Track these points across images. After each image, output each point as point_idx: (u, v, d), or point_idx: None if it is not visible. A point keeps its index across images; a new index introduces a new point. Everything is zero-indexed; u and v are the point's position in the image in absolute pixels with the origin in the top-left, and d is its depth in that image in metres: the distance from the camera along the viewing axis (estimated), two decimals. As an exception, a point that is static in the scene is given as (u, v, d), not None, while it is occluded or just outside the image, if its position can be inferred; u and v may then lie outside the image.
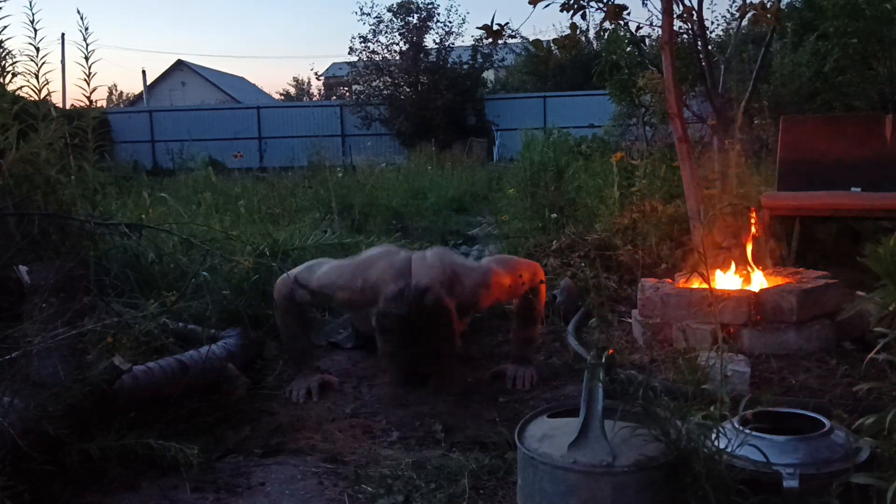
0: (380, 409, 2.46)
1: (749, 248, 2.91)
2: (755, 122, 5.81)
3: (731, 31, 9.31)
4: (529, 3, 3.38)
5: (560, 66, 19.80)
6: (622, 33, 7.44)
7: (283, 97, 48.65)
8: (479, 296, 2.56)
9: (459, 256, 2.80)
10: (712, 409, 1.50)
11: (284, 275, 2.70)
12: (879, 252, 1.29)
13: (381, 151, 16.39)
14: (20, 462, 1.71)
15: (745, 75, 5.49)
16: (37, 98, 2.94)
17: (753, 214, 3.32)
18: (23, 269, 2.15)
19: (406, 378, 2.37)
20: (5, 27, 2.84)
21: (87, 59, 3.08)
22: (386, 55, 20.35)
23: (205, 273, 3.06)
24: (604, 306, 3.29)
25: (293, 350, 2.73)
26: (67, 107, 6.54)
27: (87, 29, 3.05)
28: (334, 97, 30.84)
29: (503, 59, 21.60)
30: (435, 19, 20.10)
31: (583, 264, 3.91)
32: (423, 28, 19.94)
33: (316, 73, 50.38)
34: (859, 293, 2.86)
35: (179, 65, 38.50)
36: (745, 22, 5.13)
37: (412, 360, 2.33)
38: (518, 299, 2.74)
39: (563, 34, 3.86)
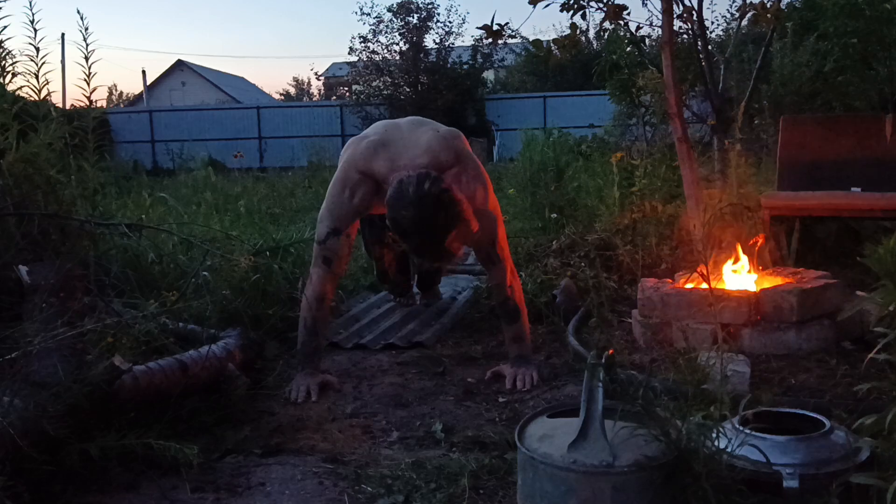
0: (380, 408, 2.46)
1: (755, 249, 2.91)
2: (755, 122, 5.81)
3: (731, 31, 9.31)
4: (529, 3, 3.38)
5: (560, 66, 19.79)
6: (622, 33, 7.43)
7: (283, 97, 48.67)
8: (475, 192, 2.53)
9: (435, 124, 2.76)
10: (712, 409, 1.50)
11: (311, 267, 2.69)
12: (879, 252, 1.29)
13: (380, 151, 16.34)
14: (20, 462, 1.71)
15: (745, 75, 5.49)
16: (37, 98, 2.94)
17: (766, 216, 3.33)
18: (23, 269, 2.15)
19: (427, 254, 2.43)
20: (5, 27, 2.85)
21: (87, 59, 3.08)
22: (386, 55, 20.37)
23: (205, 273, 3.06)
24: (604, 306, 3.29)
25: (307, 348, 2.67)
26: (67, 107, 6.54)
27: (87, 29, 3.05)
28: (334, 97, 30.87)
29: (503, 59, 21.61)
30: (435, 19, 20.13)
31: (583, 264, 3.90)
32: (423, 28, 19.95)
33: (316, 73, 50.59)
34: (859, 293, 2.86)
35: (179, 65, 38.52)
36: (745, 22, 5.13)
37: (429, 241, 2.33)
38: (495, 295, 2.79)
39: (563, 34, 3.87)
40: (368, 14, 20.91)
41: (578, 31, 3.71)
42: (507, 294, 2.67)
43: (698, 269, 1.67)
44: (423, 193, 2.25)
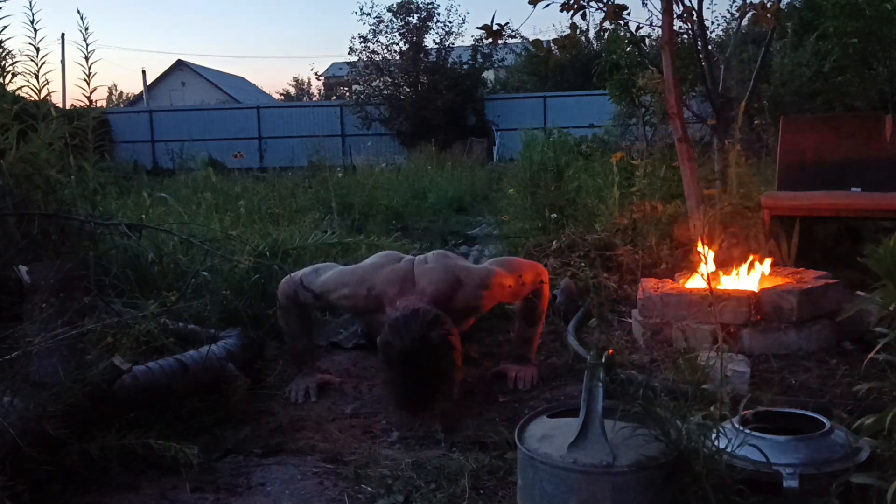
0: (380, 408, 2.46)
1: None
2: (755, 122, 5.81)
3: (731, 31, 9.31)
4: (529, 3, 3.38)
5: (560, 66, 19.80)
6: (622, 33, 7.44)
7: (283, 97, 48.67)
8: (482, 299, 2.56)
9: (460, 259, 2.80)
10: (712, 409, 1.50)
11: (289, 276, 2.71)
12: (879, 252, 1.29)
13: (381, 151, 16.37)
14: (20, 462, 1.70)
15: (745, 75, 5.49)
16: (37, 98, 2.94)
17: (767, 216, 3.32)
18: (23, 269, 2.15)
19: (406, 404, 2.33)
20: (5, 27, 2.85)
21: (87, 59, 3.09)
22: (386, 55, 20.37)
23: (205, 273, 3.06)
24: (604, 306, 3.29)
25: (294, 350, 2.74)
26: (67, 107, 6.54)
27: (87, 29, 3.05)
28: (334, 97, 30.85)
29: (503, 59, 21.60)
30: (435, 19, 20.13)
31: (583, 264, 3.91)
32: (423, 28, 19.94)
33: (316, 73, 50.59)
34: (859, 293, 2.86)
35: (179, 65, 38.51)
36: (745, 22, 5.13)
37: (412, 389, 2.27)
38: (529, 300, 2.74)
39: (563, 34, 3.87)
40: (368, 14, 20.95)
41: (578, 31, 3.72)
42: (537, 301, 2.71)
43: (698, 269, 1.67)
44: (417, 334, 2.20)
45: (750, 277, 2.88)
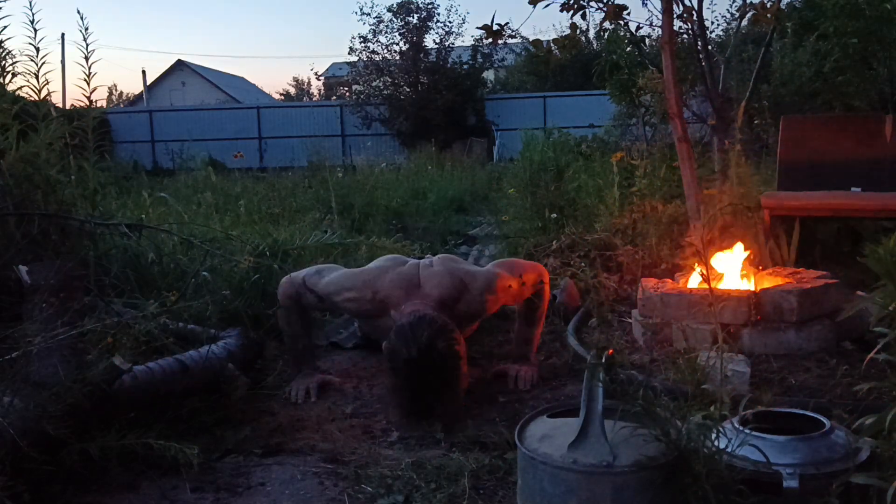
0: (380, 409, 2.46)
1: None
2: (755, 122, 5.81)
3: (731, 31, 9.31)
4: (529, 3, 3.38)
5: (560, 66, 19.78)
6: (622, 33, 7.44)
7: (283, 97, 48.65)
8: (487, 303, 2.58)
9: (465, 263, 2.81)
10: (712, 409, 1.50)
11: (290, 276, 2.71)
12: (879, 252, 1.29)
13: (381, 151, 16.37)
14: (20, 462, 1.70)
15: (745, 75, 5.49)
16: (37, 98, 2.95)
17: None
18: (23, 269, 2.15)
19: (411, 411, 2.32)
20: (5, 27, 2.85)
21: (87, 59, 3.09)
22: (386, 55, 20.35)
23: (205, 273, 3.06)
24: (604, 306, 3.29)
25: (294, 350, 2.74)
26: (67, 107, 6.53)
27: (87, 29, 3.05)
28: (334, 97, 30.85)
29: (503, 59, 21.58)
30: (435, 19, 20.10)
31: (583, 264, 3.90)
32: (423, 28, 19.93)
33: (316, 73, 50.60)
34: (859, 293, 2.86)
35: (179, 65, 38.50)
36: (745, 22, 5.13)
37: (418, 397, 2.27)
38: (531, 300, 2.75)
39: (563, 34, 3.87)
40: (368, 14, 20.94)
41: (578, 31, 3.71)
42: (538, 302, 2.72)
43: (698, 270, 1.67)
44: (425, 342, 2.20)
45: (743, 275, 2.88)
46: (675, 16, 3.67)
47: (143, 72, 42.88)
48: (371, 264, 2.74)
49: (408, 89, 19.87)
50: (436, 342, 2.21)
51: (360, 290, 2.54)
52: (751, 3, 3.90)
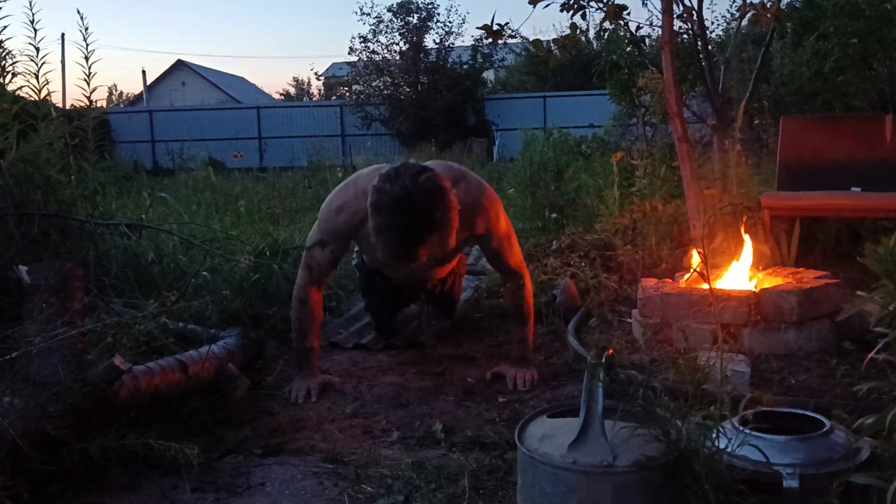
0: (380, 408, 2.46)
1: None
2: (755, 122, 5.81)
3: (731, 31, 9.31)
4: (529, 3, 3.39)
5: (560, 66, 19.77)
6: (622, 33, 7.44)
7: (283, 97, 48.66)
8: (480, 208, 2.49)
9: None
10: (712, 409, 1.50)
11: (302, 271, 2.67)
12: (879, 252, 1.29)
13: (381, 151, 16.38)
14: (20, 462, 1.71)
15: (745, 75, 5.49)
16: (37, 98, 2.95)
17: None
18: (23, 269, 2.15)
19: (398, 252, 2.21)
20: (5, 27, 2.85)
21: (87, 59, 3.09)
22: (386, 55, 20.37)
23: (205, 273, 3.07)
24: (604, 306, 3.29)
25: (300, 349, 2.68)
26: (67, 107, 6.54)
27: (87, 29, 3.06)
28: (334, 97, 30.86)
29: (503, 59, 21.60)
30: (435, 19, 20.12)
31: (583, 264, 3.91)
32: (423, 28, 19.94)
33: (316, 73, 50.62)
34: (859, 293, 2.86)
35: (179, 65, 38.52)
36: (745, 22, 5.13)
37: (404, 234, 2.17)
38: (508, 298, 2.76)
39: (563, 34, 3.87)
40: (368, 14, 20.93)
41: (578, 31, 3.72)
42: (523, 298, 2.70)
43: (698, 270, 1.66)
44: (418, 183, 2.16)
45: (745, 276, 2.88)
46: (675, 16, 3.67)
47: (143, 72, 42.97)
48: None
49: (408, 89, 19.88)
50: (420, 176, 2.16)
51: (341, 196, 2.53)
52: (751, 3, 3.90)
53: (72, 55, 3.32)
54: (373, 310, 3.26)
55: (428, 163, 2.52)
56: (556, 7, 3.47)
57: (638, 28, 4.71)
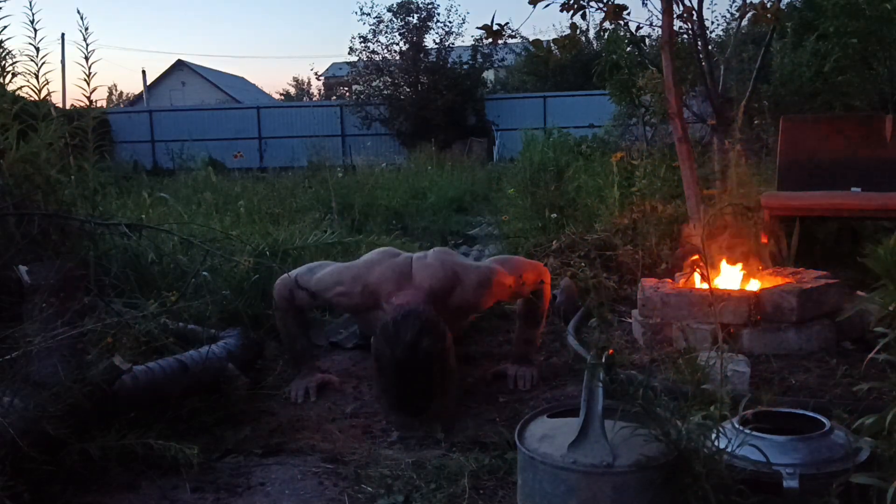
0: (380, 408, 2.45)
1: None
2: (755, 122, 5.80)
3: (731, 31, 9.31)
4: (529, 3, 3.38)
5: (560, 66, 19.79)
6: (622, 33, 7.43)
7: (283, 97, 48.66)
8: (481, 297, 2.55)
9: (460, 257, 2.77)
10: (712, 409, 1.50)
11: (284, 275, 2.70)
12: (879, 252, 1.29)
13: (381, 151, 16.38)
14: (20, 462, 1.71)
15: (745, 75, 5.49)
16: (37, 98, 2.95)
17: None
18: (23, 269, 2.15)
19: (401, 409, 2.30)
20: (5, 27, 2.85)
21: (87, 59, 3.09)
22: (386, 55, 20.37)
23: (205, 273, 3.06)
24: (604, 306, 3.29)
25: (292, 351, 2.73)
26: (67, 107, 6.54)
27: (87, 29, 3.05)
28: (334, 97, 30.85)
29: (503, 59, 21.59)
30: (435, 19, 20.12)
31: (583, 264, 3.91)
32: (423, 28, 19.94)
33: (316, 73, 50.62)
34: (859, 293, 2.86)
35: (179, 65, 38.50)
36: (745, 22, 5.13)
37: (406, 395, 2.25)
38: (521, 300, 2.73)
39: (563, 34, 3.87)
40: (368, 14, 20.96)
41: (578, 31, 3.72)
42: (536, 303, 2.70)
43: (696, 269, 1.66)
44: (418, 349, 2.17)
45: (744, 277, 2.88)
46: (675, 16, 3.67)
47: (143, 72, 42.93)
48: (362, 258, 2.70)
49: (408, 89, 19.88)
50: (421, 341, 2.17)
51: (350, 284, 2.51)
52: (751, 3, 3.90)
53: (72, 55, 3.32)
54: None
55: (421, 260, 2.53)
56: (556, 7, 3.47)
57: (638, 28, 4.71)
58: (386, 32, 20.23)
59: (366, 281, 2.49)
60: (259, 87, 44.31)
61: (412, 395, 2.22)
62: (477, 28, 3.99)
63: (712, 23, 11.96)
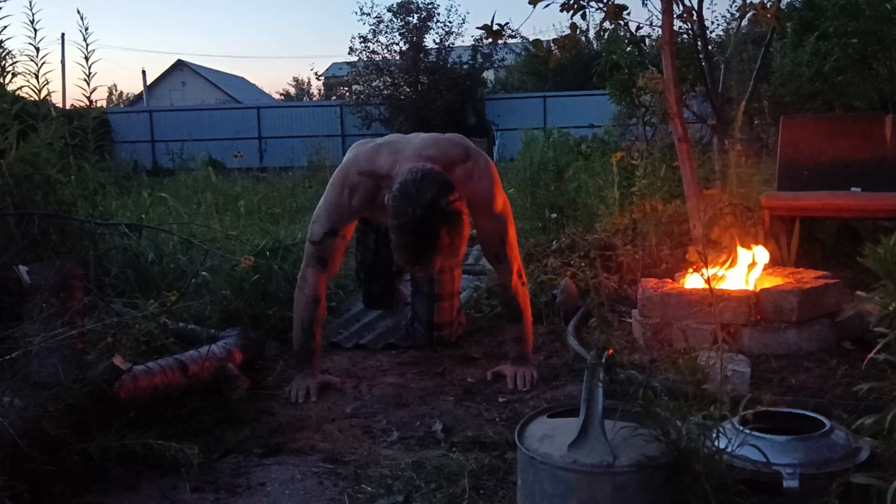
0: (380, 408, 2.46)
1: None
2: (755, 122, 5.81)
3: (731, 31, 9.31)
4: (529, 3, 3.39)
5: (560, 66, 19.75)
6: (622, 33, 7.44)
7: (283, 97, 48.67)
8: (485, 192, 2.53)
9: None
10: (712, 409, 1.50)
11: (306, 245, 2.67)
12: (879, 252, 1.29)
13: (381, 151, 16.32)
14: (20, 462, 1.71)
15: (745, 75, 5.49)
16: (37, 98, 2.95)
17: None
18: (23, 269, 2.15)
19: (414, 264, 2.34)
20: (5, 27, 2.85)
21: (87, 59, 3.09)
22: (386, 55, 20.38)
23: (205, 273, 3.06)
24: (604, 306, 3.29)
25: (304, 348, 2.65)
26: (67, 107, 6.54)
27: (87, 29, 3.05)
28: (334, 97, 30.84)
29: (503, 59, 21.61)
30: (435, 19, 20.14)
31: (583, 264, 3.91)
32: (423, 28, 19.96)
33: (316, 73, 50.62)
34: (859, 293, 2.86)
35: (179, 65, 38.53)
36: (745, 22, 5.13)
37: (422, 251, 2.29)
38: (502, 296, 2.73)
39: (563, 34, 3.87)
40: (368, 14, 20.94)
41: (578, 31, 3.72)
42: (512, 294, 2.67)
43: (698, 270, 1.67)
44: (437, 208, 2.22)
45: (747, 276, 2.88)
46: (675, 16, 3.67)
47: (143, 72, 42.94)
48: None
49: (408, 89, 19.88)
50: (440, 200, 2.23)
51: (342, 180, 2.54)
52: (751, 3, 3.90)
53: (72, 55, 3.31)
54: (364, 270, 3.31)
55: (434, 141, 2.54)
56: (556, 7, 3.48)
57: (638, 28, 4.70)
58: (386, 32, 20.27)
59: (356, 164, 2.53)
60: (259, 87, 44.38)
61: (428, 249, 2.28)
62: (477, 28, 3.99)
63: (712, 23, 11.97)
